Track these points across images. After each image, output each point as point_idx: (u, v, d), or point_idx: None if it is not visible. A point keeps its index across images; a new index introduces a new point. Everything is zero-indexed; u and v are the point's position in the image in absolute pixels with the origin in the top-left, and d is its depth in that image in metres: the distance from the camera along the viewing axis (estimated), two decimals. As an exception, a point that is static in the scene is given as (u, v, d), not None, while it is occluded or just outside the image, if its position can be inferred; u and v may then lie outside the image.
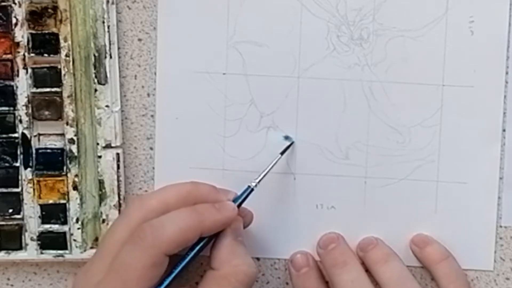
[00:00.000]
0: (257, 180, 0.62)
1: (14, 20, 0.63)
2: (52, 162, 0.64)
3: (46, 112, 0.64)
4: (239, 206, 0.61)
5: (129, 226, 0.59)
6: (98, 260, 0.59)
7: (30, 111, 0.64)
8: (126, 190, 0.66)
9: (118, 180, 0.65)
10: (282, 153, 0.64)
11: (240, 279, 0.58)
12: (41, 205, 0.65)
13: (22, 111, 0.64)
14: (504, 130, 0.64)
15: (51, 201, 0.65)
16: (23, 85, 0.63)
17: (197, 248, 0.59)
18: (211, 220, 0.59)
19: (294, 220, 0.65)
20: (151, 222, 0.58)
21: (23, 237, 0.65)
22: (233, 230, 0.60)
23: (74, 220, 0.65)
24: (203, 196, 0.61)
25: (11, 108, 0.64)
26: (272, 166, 0.63)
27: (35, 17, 0.63)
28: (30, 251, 0.65)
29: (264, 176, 0.62)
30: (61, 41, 0.63)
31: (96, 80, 0.64)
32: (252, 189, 0.62)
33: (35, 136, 0.64)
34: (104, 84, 0.64)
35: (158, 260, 0.57)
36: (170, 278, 0.58)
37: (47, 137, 0.65)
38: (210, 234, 0.59)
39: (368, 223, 0.65)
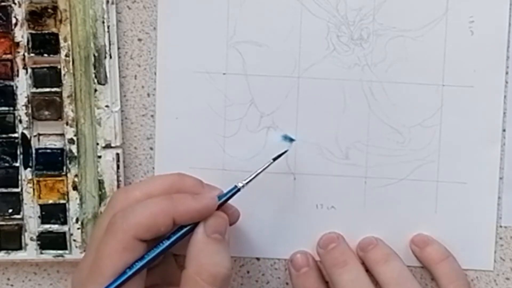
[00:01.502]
0: (245, 181, 0.60)
1: (14, 20, 0.63)
2: (52, 162, 0.64)
3: (46, 112, 0.64)
4: (222, 204, 0.59)
5: None
6: (87, 255, 0.59)
7: (30, 111, 0.63)
8: (126, 190, 0.66)
9: (118, 180, 0.65)
10: (274, 159, 0.62)
11: (205, 278, 0.56)
12: (41, 205, 0.65)
13: (22, 111, 0.64)
14: (504, 130, 0.64)
15: (51, 201, 0.65)
16: (23, 85, 0.63)
17: (175, 237, 0.58)
18: (185, 207, 0.57)
19: (294, 220, 0.65)
20: (124, 209, 0.57)
21: (23, 237, 0.65)
22: (207, 226, 0.58)
23: (74, 220, 0.65)
24: (187, 188, 0.59)
25: (11, 108, 0.64)
26: (263, 170, 0.61)
27: (35, 17, 0.62)
28: (30, 251, 0.65)
29: (253, 178, 0.61)
30: (61, 41, 0.63)
31: (96, 80, 0.64)
32: (239, 189, 0.60)
33: (35, 136, 0.64)
34: (104, 84, 0.64)
35: (127, 244, 0.56)
36: (142, 263, 0.56)
37: (47, 137, 0.64)
38: (185, 222, 0.58)
39: (368, 223, 0.65)
